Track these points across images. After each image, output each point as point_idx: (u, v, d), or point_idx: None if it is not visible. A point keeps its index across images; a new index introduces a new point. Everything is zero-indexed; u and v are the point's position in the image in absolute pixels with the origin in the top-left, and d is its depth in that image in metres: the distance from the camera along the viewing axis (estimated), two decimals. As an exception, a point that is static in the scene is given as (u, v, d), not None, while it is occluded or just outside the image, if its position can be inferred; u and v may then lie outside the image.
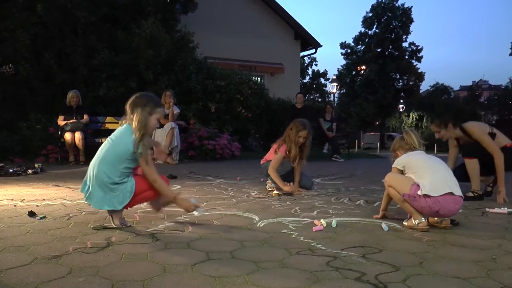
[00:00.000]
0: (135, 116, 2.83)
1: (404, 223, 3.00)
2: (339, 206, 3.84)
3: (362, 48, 43.36)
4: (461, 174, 4.53)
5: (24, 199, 3.93)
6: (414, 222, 2.89)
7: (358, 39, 43.44)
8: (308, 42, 18.76)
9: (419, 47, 42.57)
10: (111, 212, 2.82)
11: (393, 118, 40.94)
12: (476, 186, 4.36)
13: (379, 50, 41.76)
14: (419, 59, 42.83)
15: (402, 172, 3.10)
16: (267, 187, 4.94)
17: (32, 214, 3.11)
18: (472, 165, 4.31)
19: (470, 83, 50.60)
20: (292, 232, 2.74)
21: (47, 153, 8.60)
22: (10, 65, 10.07)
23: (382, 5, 41.60)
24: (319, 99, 44.76)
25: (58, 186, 4.98)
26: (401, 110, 39.18)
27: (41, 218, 3.04)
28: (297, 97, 11.42)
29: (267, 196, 4.41)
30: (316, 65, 45.99)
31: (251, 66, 14.80)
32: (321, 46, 19.00)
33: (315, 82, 46.34)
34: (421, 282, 1.85)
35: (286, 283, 1.79)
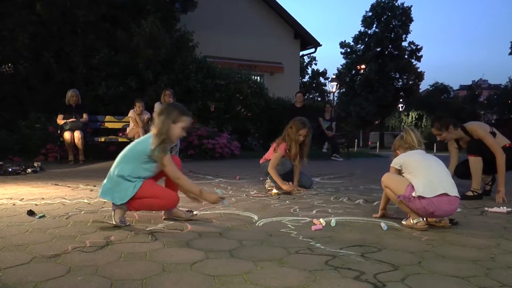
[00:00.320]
0: (157, 122, 2.90)
1: (403, 222, 3.00)
2: (338, 205, 3.85)
3: (361, 47, 43.32)
4: (463, 171, 4.54)
5: (23, 198, 3.93)
6: (413, 221, 2.89)
7: (357, 38, 43.40)
8: (308, 41, 18.77)
9: (418, 47, 42.56)
10: (114, 207, 2.84)
11: (393, 117, 40.89)
12: (476, 185, 4.35)
13: (378, 49, 41.73)
14: (418, 59, 42.82)
15: (399, 171, 3.10)
16: (266, 186, 4.94)
17: (31, 213, 3.11)
18: (476, 163, 4.30)
19: (469, 83, 50.55)
20: (291, 231, 2.74)
21: (46, 152, 8.60)
22: (10, 64, 10.08)
23: (382, 4, 41.55)
24: (319, 98, 44.75)
25: (57, 185, 4.99)
26: (400, 109, 39.12)
27: (40, 217, 3.04)
28: (296, 96, 11.42)
29: (266, 195, 4.41)
30: (315, 64, 45.95)
31: (251, 65, 14.81)
32: (321, 45, 19.01)
33: (315, 81, 46.32)
34: (420, 281, 1.85)
35: (284, 282, 1.79)
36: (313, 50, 20.06)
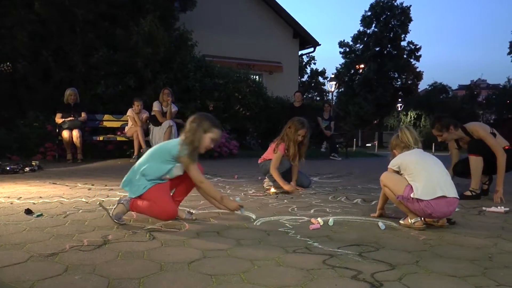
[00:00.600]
0: (188, 128, 2.98)
1: (401, 221, 3.00)
2: (336, 205, 3.85)
3: (360, 47, 43.33)
4: (461, 169, 4.55)
5: (21, 197, 3.93)
6: (410, 221, 2.89)
7: (356, 37, 43.41)
8: (307, 40, 18.76)
9: (417, 46, 42.58)
10: (118, 202, 2.91)
11: (392, 117, 40.88)
12: (475, 185, 4.36)
13: (377, 49, 41.75)
14: (417, 58, 42.84)
15: (398, 172, 3.10)
16: (264, 185, 4.95)
17: (28, 211, 3.11)
18: (476, 163, 4.30)
19: (468, 82, 50.61)
20: (289, 231, 2.75)
21: (44, 151, 8.59)
22: (8, 63, 10.05)
23: (381, 4, 41.55)
24: (318, 98, 44.71)
25: (55, 184, 4.98)
26: (399, 109, 39.12)
27: (38, 215, 3.04)
28: (295, 96, 11.42)
29: (265, 194, 4.42)
30: (314, 63, 45.84)
31: (250, 65, 14.79)
32: (320, 44, 19.00)
33: (314, 80, 46.28)
34: (417, 280, 1.85)
35: (282, 281, 1.79)
36: (312, 49, 20.05)
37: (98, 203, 2.96)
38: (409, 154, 3.08)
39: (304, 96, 17.33)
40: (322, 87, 45.56)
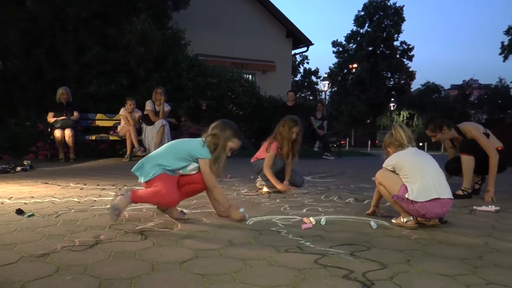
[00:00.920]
0: (214, 132, 3.07)
1: (393, 220, 3.01)
2: (329, 204, 3.86)
3: (353, 46, 43.52)
4: (454, 167, 4.59)
5: (12, 197, 3.90)
6: (403, 220, 2.91)
7: (350, 37, 43.59)
8: (300, 40, 18.79)
9: (410, 46, 42.84)
10: (121, 194, 2.93)
11: (384, 116, 41.09)
12: (467, 184, 4.39)
13: (370, 48, 41.96)
14: (410, 58, 43.10)
15: (392, 171, 3.10)
16: (257, 184, 4.95)
17: (20, 212, 3.09)
18: (468, 162, 4.34)
19: (460, 82, 51.01)
20: (281, 230, 2.75)
21: (36, 150, 8.55)
22: (-1, 61, 9.99)
23: (374, 4, 41.75)
24: (311, 97, 44.80)
25: (47, 183, 4.96)
26: (392, 108, 39.32)
27: (29, 216, 3.02)
28: (288, 95, 11.44)
29: (257, 194, 4.42)
30: (307, 63, 46.21)
31: (243, 64, 14.77)
32: (313, 44, 19.05)
33: (307, 80, 46.38)
34: (408, 279, 1.86)
35: (273, 281, 1.79)
36: (305, 49, 20.10)
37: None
38: (404, 155, 3.06)
39: (297, 96, 17.32)
40: (315, 86, 45.65)
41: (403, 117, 38.02)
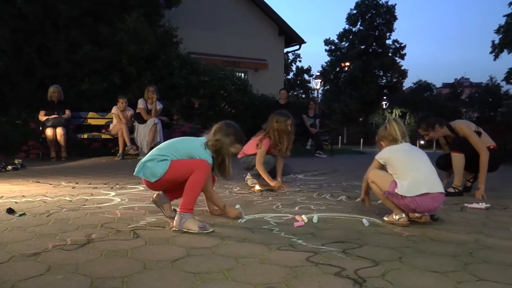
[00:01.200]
0: (214, 136, 2.97)
1: (385, 218, 3.03)
2: (321, 202, 3.87)
3: (346, 44, 43.62)
4: (444, 163, 4.63)
5: (2, 196, 3.87)
6: (395, 217, 2.92)
7: (342, 35, 43.66)
8: (292, 38, 18.79)
9: (402, 45, 43.02)
10: (160, 203, 3.05)
11: (377, 114, 41.23)
12: (458, 182, 4.43)
13: (363, 47, 42.05)
14: (402, 57, 43.27)
15: (383, 166, 3.11)
16: (249, 183, 4.94)
17: (10, 211, 3.07)
18: (458, 160, 4.37)
19: (452, 81, 51.27)
20: (273, 228, 2.75)
21: (28, 149, 8.48)
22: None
23: (366, 2, 41.85)
24: (303, 95, 44.87)
25: (38, 182, 4.92)
26: (384, 106, 39.46)
27: (20, 215, 3.00)
28: (280, 93, 11.44)
29: (249, 192, 4.42)
30: (300, 61, 46.21)
31: (235, 62, 14.76)
32: (305, 42, 19.07)
33: (299, 78, 46.47)
34: (400, 276, 1.87)
35: (265, 279, 1.79)
36: (297, 47, 20.12)
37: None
38: (397, 150, 3.07)
39: (290, 94, 17.34)
40: (308, 84, 45.77)
41: (395, 115, 38.15)
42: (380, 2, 41.83)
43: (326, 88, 43.86)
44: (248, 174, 4.96)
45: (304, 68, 46.51)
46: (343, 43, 43.84)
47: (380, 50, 42.17)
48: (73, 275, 1.80)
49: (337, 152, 13.30)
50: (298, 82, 46.39)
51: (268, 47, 17.69)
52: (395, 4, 42.12)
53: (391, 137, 3.16)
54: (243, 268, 1.94)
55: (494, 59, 29.08)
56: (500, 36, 28.14)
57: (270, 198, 4.06)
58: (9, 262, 1.96)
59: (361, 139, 32.16)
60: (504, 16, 27.46)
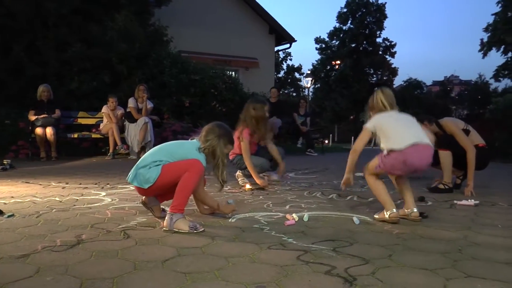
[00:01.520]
0: (206, 138, 2.95)
1: (376, 216, 3.05)
2: (312, 200, 3.88)
3: (336, 43, 43.75)
4: (433, 161, 4.68)
5: (-9, 197, 3.84)
6: (386, 213, 2.93)
7: (332, 34, 43.78)
8: (283, 36, 18.79)
9: (392, 43, 43.28)
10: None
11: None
12: (447, 178, 4.48)
13: (353, 45, 42.22)
14: (392, 55, 43.52)
15: (373, 134, 3.11)
16: (239, 182, 4.93)
17: (-1, 212, 3.04)
18: (445, 157, 4.42)
19: (442, 78, 51.61)
20: (264, 227, 2.76)
21: (17, 149, 8.39)
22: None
23: (357, 1, 42.03)
24: (294, 94, 44.94)
25: (28, 183, 4.88)
26: (375, 104, 39.65)
27: (9, 216, 2.97)
28: (271, 92, 11.46)
29: (240, 191, 4.42)
30: (290, 59, 46.25)
31: (226, 61, 14.73)
32: (296, 41, 19.07)
33: (290, 76, 46.48)
34: (389, 274, 1.88)
35: (256, 278, 1.80)
36: (288, 45, 20.10)
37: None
38: (385, 116, 3.09)
39: (280, 92, 17.35)
40: (298, 83, 45.80)
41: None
42: (371, 0, 42.02)
43: (316, 86, 43.97)
44: (238, 171, 4.94)
45: (295, 66, 46.57)
46: (333, 42, 43.98)
47: (371, 48, 42.38)
48: (62, 277, 1.79)
49: (328, 150, 13.33)
50: (289, 80, 46.41)
51: (258, 46, 17.68)
52: (385, 3, 42.38)
53: (379, 107, 3.16)
54: (233, 267, 1.94)
55: (483, 57, 29.34)
56: (489, 34, 28.40)
57: (261, 197, 4.06)
58: (-3, 264, 1.95)
59: (352, 137, 32.23)
60: (492, 14, 27.74)
